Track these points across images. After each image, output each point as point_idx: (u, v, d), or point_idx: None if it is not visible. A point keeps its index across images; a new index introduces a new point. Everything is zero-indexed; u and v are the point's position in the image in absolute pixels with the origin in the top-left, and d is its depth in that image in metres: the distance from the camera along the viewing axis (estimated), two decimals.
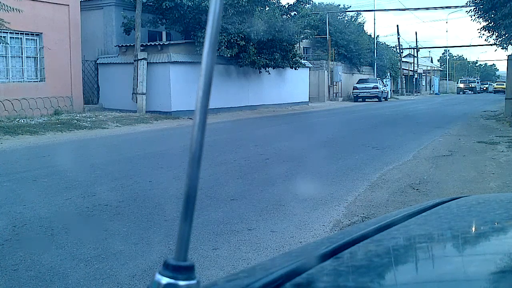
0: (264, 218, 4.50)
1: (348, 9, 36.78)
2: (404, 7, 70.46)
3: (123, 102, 16.57)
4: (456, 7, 27.26)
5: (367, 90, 31.12)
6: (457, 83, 63.50)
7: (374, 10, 36.74)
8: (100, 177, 6.33)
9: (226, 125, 14.03)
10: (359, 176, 6.47)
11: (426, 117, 17.79)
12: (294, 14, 20.16)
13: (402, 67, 46.28)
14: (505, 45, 17.79)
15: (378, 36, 46.93)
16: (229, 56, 17.31)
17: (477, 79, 67.53)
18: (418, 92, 51.87)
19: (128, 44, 17.40)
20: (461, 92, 57.05)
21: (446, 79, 71.88)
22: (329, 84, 30.44)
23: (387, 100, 33.83)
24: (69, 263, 3.36)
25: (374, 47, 36.82)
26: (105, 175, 6.44)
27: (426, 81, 61.36)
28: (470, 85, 58.90)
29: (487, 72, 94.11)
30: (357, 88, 31.13)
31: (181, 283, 0.61)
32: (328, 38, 30.44)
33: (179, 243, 0.62)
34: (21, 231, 4.05)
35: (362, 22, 37.29)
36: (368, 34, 38.17)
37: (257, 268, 0.85)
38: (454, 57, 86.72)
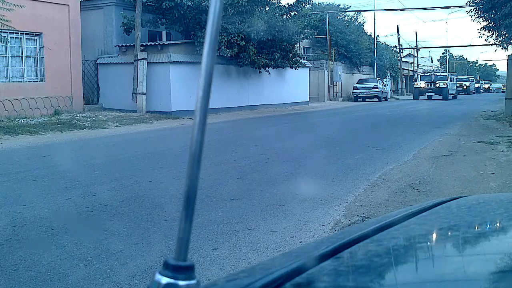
0: (264, 218, 4.50)
1: (348, 9, 36.80)
2: (404, 7, 70.39)
3: (123, 102, 16.57)
4: (456, 7, 27.26)
5: (367, 90, 31.13)
6: (415, 81, 37.36)
7: (374, 10, 36.77)
8: (100, 177, 6.33)
9: (226, 125, 14.02)
10: (359, 176, 6.47)
11: (426, 117, 17.80)
12: (294, 14, 20.16)
13: (402, 67, 46.30)
14: (505, 45, 17.79)
15: (378, 36, 46.99)
16: (229, 56, 17.32)
17: (451, 75, 40.42)
18: None
19: (128, 44, 17.40)
20: (420, 96, 34.39)
21: None
22: (329, 84, 30.44)
23: (387, 100, 33.84)
24: (69, 263, 3.36)
25: (374, 47, 36.84)
26: (105, 175, 6.44)
27: None
28: (437, 85, 33.65)
29: (487, 72, 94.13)
30: (357, 88, 31.14)
31: (181, 283, 0.61)
32: (328, 38, 30.44)
33: (179, 243, 0.63)
34: (21, 231, 4.05)
35: (362, 22, 37.33)
36: (368, 34, 38.20)
37: (257, 268, 0.85)
38: (454, 57, 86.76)
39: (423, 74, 38.43)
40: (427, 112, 20.70)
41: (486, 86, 64.39)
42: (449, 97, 34.37)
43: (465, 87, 47.91)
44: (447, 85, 34.10)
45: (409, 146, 9.30)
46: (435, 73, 38.58)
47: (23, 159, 8.05)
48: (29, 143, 9.90)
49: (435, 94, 34.21)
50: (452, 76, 39.41)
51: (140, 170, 6.89)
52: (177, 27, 17.50)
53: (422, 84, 34.89)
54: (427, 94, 34.57)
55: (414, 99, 34.49)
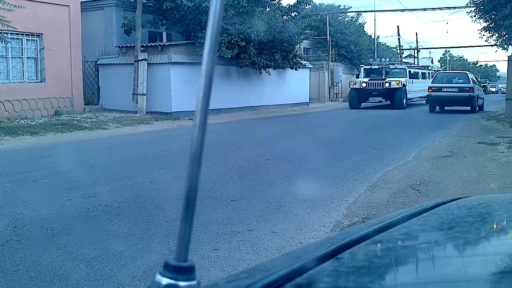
0: (264, 219, 4.50)
1: (349, 10, 36.80)
2: (404, 8, 70.21)
3: (123, 102, 16.58)
4: (456, 7, 27.27)
5: None
6: (357, 77, 24.00)
7: (374, 11, 36.75)
8: (101, 178, 6.33)
9: (226, 126, 14.03)
10: (359, 176, 6.47)
11: (426, 118, 17.78)
12: (295, 14, 20.16)
13: None
14: (505, 46, 17.80)
15: (378, 36, 47.06)
16: (229, 56, 17.31)
17: (416, 68, 28.15)
18: None
19: (128, 45, 17.40)
20: (361, 103, 22.64)
21: None
22: (330, 84, 30.44)
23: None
24: (69, 263, 3.36)
25: (374, 47, 36.83)
26: (105, 176, 6.44)
27: None
28: (386, 85, 21.54)
29: (487, 73, 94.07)
30: None
31: (182, 283, 0.61)
32: (328, 38, 30.44)
33: (180, 243, 0.63)
34: (21, 231, 4.05)
35: (362, 22, 37.34)
36: (369, 34, 38.19)
37: (257, 269, 0.85)
38: (455, 58, 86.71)
39: (368, 67, 23.66)
40: (427, 113, 20.67)
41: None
42: (404, 105, 21.73)
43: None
44: (404, 85, 21.52)
45: (410, 147, 9.29)
46: (386, 65, 23.20)
47: (24, 160, 8.05)
48: (29, 144, 9.90)
49: (383, 99, 22.64)
50: (417, 70, 26.08)
51: (141, 171, 6.89)
52: (178, 28, 17.50)
53: (364, 83, 21.97)
54: (370, 98, 22.62)
55: (350, 108, 22.02)
